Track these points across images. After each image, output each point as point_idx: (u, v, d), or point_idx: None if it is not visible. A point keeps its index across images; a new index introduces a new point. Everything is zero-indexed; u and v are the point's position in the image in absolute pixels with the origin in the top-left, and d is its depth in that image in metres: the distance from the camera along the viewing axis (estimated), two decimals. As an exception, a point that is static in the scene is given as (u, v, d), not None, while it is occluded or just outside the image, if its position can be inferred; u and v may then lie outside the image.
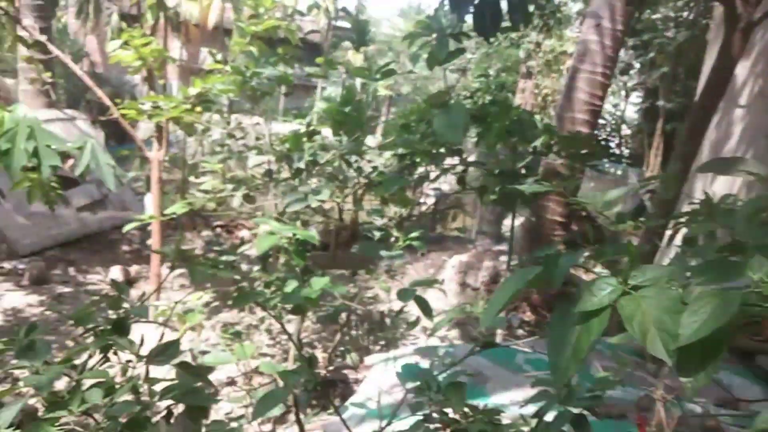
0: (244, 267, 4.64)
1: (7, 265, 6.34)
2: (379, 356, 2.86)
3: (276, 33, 5.25)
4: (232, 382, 4.35)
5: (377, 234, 3.70)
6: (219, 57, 4.50)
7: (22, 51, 5.13)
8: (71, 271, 6.66)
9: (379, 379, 2.71)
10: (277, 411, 2.32)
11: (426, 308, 2.02)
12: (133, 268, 6.84)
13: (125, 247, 7.61)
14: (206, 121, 4.82)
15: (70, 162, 6.82)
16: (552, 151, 3.29)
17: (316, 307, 1.56)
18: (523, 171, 3.14)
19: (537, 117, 3.56)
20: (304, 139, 3.04)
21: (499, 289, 1.20)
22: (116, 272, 6.48)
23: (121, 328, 1.44)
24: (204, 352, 4.67)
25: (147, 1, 6.55)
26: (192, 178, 4.07)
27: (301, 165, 2.81)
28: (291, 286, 2.33)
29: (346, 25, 31.65)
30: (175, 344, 1.34)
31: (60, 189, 3.64)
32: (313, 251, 3.61)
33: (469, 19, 2.46)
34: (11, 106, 2.76)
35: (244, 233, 8.27)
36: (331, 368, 3.28)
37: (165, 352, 1.34)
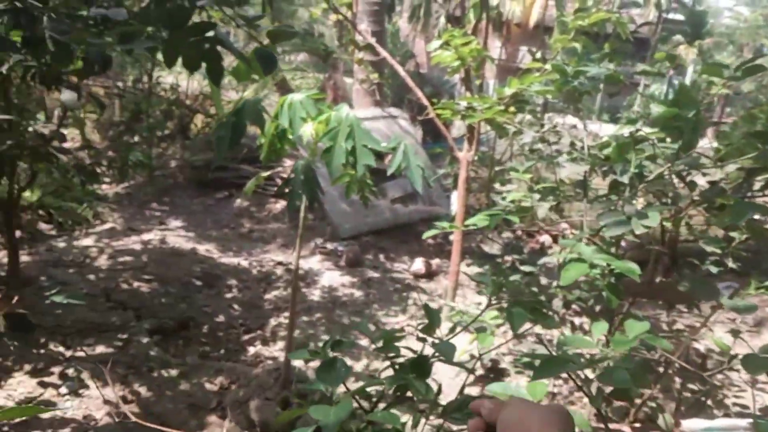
0: (543, 280, 4.32)
1: (330, 246, 7.12)
2: (700, 422, 2.27)
3: (603, 27, 4.79)
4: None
5: (710, 266, 3.02)
6: (539, 55, 4.26)
7: (356, 53, 5.63)
8: (381, 257, 7.20)
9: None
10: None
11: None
12: (435, 261, 7.07)
13: (430, 240, 7.94)
14: (518, 122, 4.61)
15: (390, 157, 7.27)
16: None
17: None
18: None
19: None
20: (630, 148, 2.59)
21: None
22: (419, 264, 6.77)
23: (421, 368, 1.28)
24: (494, 363, 4.51)
25: (470, 2, 6.64)
26: (497, 185, 3.88)
27: (624, 179, 2.37)
28: (599, 329, 1.95)
29: (679, 17, 28.51)
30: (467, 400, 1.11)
31: (376, 185, 3.80)
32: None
33: None
34: (337, 106, 2.92)
35: (545, 238, 7.92)
36: (636, 424, 2.77)
37: (463, 408, 1.13)
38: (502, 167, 7.33)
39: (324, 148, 2.86)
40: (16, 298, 2.91)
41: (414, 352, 1.33)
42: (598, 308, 3.38)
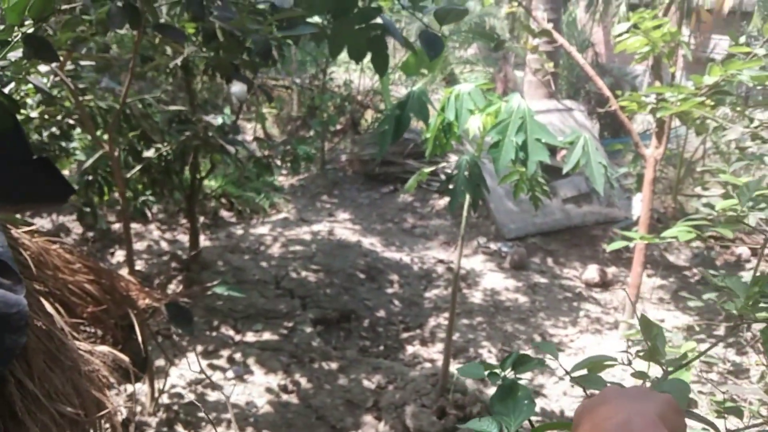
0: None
1: (493, 246, 6.81)
2: None
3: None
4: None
5: None
6: (742, 40, 3.61)
7: (530, 40, 5.28)
8: (549, 261, 6.73)
9: None
10: None
11: None
12: (611, 270, 6.46)
13: (605, 246, 7.30)
14: (720, 116, 3.98)
15: (563, 153, 6.79)
16: None
17: None
18: None
19: None
20: None
21: None
22: (593, 272, 6.22)
23: None
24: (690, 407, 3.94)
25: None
26: (698, 189, 3.35)
27: None
28: None
29: None
30: None
31: (547, 183, 3.48)
32: None
33: None
34: (508, 96, 2.65)
35: (742, 250, 6.89)
36: None
37: None
38: (697, 168, 6.49)
39: (492, 142, 2.61)
40: (182, 287, 3.05)
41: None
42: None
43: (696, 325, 4.43)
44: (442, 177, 7.41)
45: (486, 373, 0.97)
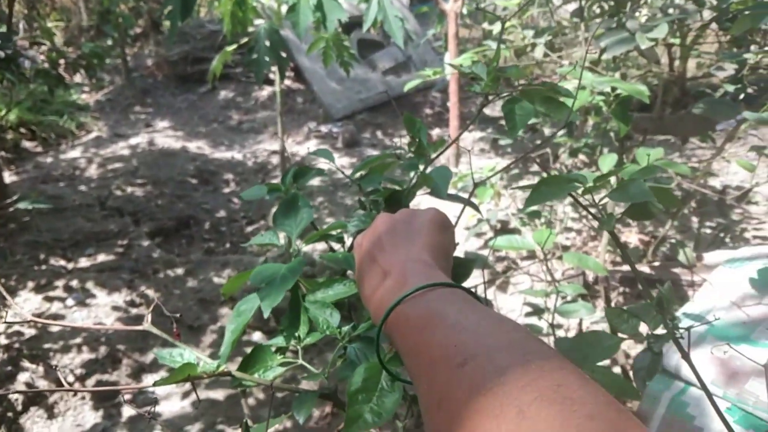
0: (546, 131, 4.10)
1: (324, 129, 6.85)
2: (723, 254, 2.15)
3: None
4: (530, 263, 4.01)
5: (726, 85, 2.79)
6: None
7: None
8: (378, 134, 6.94)
9: (723, 284, 2.01)
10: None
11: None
12: (435, 132, 6.82)
13: (428, 110, 7.63)
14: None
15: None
16: None
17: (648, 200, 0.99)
18: None
19: None
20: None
21: None
22: (418, 135, 6.52)
23: (398, 204, 1.03)
24: (502, 223, 4.40)
25: None
26: (485, 25, 3.55)
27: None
28: (607, 161, 1.76)
29: None
30: (468, 264, 0.89)
31: (360, 57, 3.49)
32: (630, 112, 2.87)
33: None
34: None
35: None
36: (655, 263, 2.65)
37: None
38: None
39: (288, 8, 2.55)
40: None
41: (398, 184, 1.01)
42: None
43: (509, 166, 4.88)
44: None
45: (267, 191, 0.99)
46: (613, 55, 2.15)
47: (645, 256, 2.88)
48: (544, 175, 0.95)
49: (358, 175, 1.02)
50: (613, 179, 1.21)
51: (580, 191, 1.00)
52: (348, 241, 0.91)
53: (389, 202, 0.98)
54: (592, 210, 0.98)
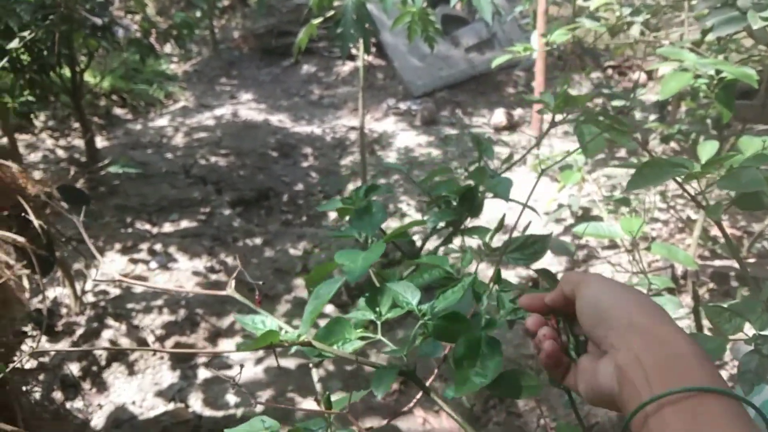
0: (637, 116, 3.88)
1: (403, 106, 6.79)
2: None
3: None
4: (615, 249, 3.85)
5: None
6: None
7: None
8: (458, 112, 6.82)
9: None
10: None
11: None
12: (517, 112, 6.63)
13: (510, 90, 7.41)
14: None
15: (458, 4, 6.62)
16: None
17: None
18: None
19: None
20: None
21: None
22: (500, 116, 6.35)
23: (470, 203, 1.04)
24: (584, 210, 4.23)
25: None
26: (579, 1, 3.37)
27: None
28: (707, 148, 1.62)
29: None
30: (544, 239, 0.88)
31: (448, 34, 3.41)
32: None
33: None
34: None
35: (639, 75, 7.19)
36: (751, 260, 2.46)
37: (526, 247, 0.90)
38: None
39: (376, -21, 2.50)
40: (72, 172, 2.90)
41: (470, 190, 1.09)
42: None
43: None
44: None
45: (340, 204, 1.06)
46: (717, 36, 1.99)
47: (739, 250, 2.68)
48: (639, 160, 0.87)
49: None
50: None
51: (681, 178, 0.92)
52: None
53: (463, 199, 1.04)
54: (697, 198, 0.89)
